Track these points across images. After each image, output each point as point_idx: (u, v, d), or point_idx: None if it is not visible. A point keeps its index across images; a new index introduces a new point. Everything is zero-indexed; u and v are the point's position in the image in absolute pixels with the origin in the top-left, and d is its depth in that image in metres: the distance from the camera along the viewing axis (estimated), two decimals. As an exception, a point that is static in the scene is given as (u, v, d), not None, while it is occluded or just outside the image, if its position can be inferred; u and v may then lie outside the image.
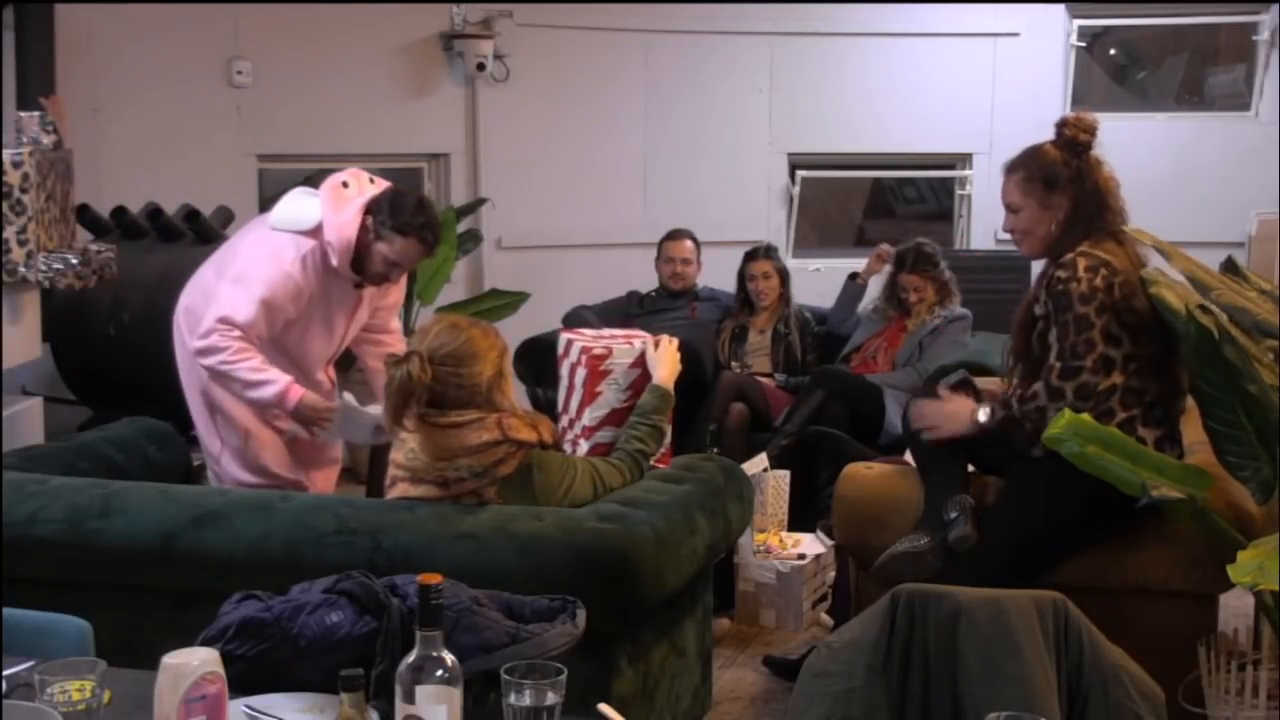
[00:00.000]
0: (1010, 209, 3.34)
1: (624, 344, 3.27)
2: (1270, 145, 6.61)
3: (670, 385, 3.23)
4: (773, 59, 7.07)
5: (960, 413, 3.34)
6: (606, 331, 3.58)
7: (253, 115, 6.20)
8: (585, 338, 3.36)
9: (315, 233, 3.57)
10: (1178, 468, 3.13)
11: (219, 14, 6.05)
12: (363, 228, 3.55)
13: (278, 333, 3.62)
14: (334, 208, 3.57)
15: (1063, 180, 3.25)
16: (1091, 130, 3.28)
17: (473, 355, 2.88)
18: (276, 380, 3.53)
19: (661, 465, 3.25)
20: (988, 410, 3.29)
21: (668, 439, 3.28)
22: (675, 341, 3.32)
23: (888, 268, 5.62)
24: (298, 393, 3.55)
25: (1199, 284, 3.17)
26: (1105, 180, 3.28)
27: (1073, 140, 3.27)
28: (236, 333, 3.50)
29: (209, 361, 3.53)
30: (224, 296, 3.55)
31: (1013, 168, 3.34)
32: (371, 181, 3.67)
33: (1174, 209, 6.33)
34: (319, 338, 3.74)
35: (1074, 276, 3.16)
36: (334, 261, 3.56)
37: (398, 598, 1.98)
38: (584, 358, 3.24)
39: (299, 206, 3.63)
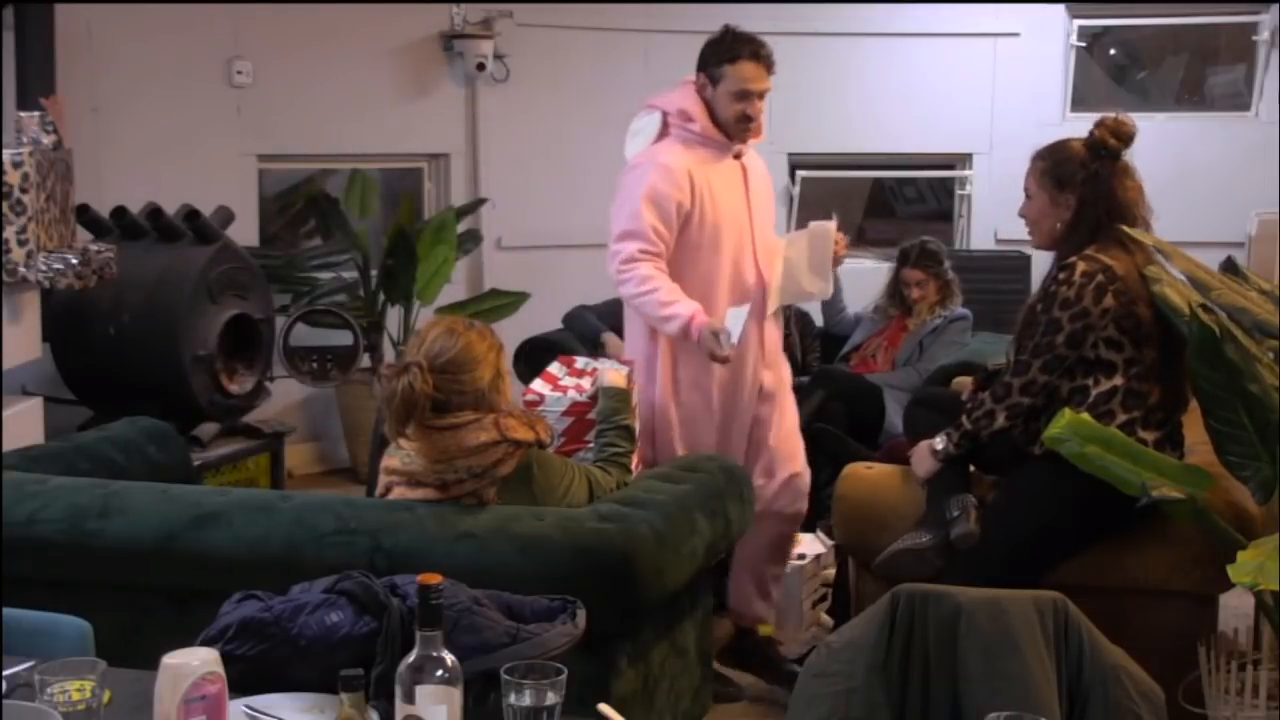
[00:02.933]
0: (1025, 194, 3.36)
1: (556, 392, 3.34)
2: (1270, 145, 6.60)
3: (620, 386, 3.31)
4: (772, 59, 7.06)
5: (922, 452, 3.40)
6: (593, 364, 3.61)
7: (253, 115, 6.20)
8: (552, 374, 3.48)
9: (664, 131, 3.64)
10: (1178, 468, 3.13)
11: (219, 14, 6.04)
12: (699, 88, 3.60)
13: (681, 231, 3.58)
14: (663, 101, 3.65)
15: (1075, 181, 3.24)
16: (1123, 137, 3.24)
17: (473, 360, 2.86)
18: (680, 314, 3.47)
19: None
20: (943, 437, 3.34)
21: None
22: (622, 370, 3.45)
23: (885, 264, 5.61)
24: (700, 322, 3.47)
25: (1199, 284, 3.17)
26: (1125, 189, 3.25)
27: (1100, 142, 3.24)
28: (636, 246, 3.52)
29: (622, 291, 3.58)
30: (613, 223, 3.62)
31: (1037, 156, 3.34)
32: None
33: (1174, 209, 6.26)
34: (728, 229, 3.65)
35: (1068, 280, 3.18)
36: (696, 127, 3.58)
37: (398, 598, 1.98)
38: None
39: (637, 129, 3.71)
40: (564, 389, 3.38)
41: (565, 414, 3.31)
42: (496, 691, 1.68)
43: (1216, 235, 6.46)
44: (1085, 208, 3.24)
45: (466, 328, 2.93)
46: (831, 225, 3.78)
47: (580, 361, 3.59)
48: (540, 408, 3.28)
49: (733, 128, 3.60)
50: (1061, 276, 3.20)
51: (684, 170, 3.57)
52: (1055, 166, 3.27)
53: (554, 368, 3.55)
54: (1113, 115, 3.28)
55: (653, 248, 3.53)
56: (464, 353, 2.86)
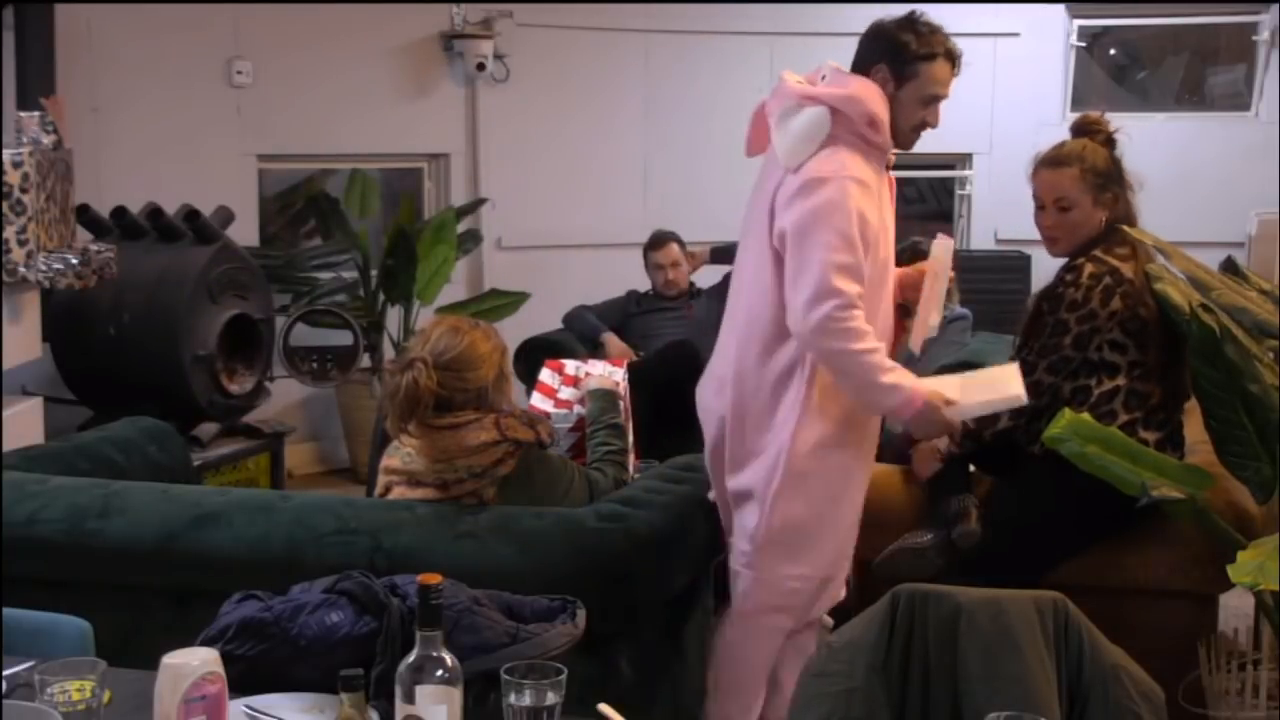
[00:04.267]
0: (1060, 205, 3.21)
1: (560, 409, 3.35)
2: (1270, 145, 6.61)
3: (606, 387, 3.32)
4: (773, 59, 7.06)
5: (923, 452, 3.40)
6: (583, 368, 3.61)
7: (253, 115, 6.21)
8: (547, 384, 3.48)
9: (835, 135, 2.86)
10: (1178, 468, 3.13)
11: (219, 14, 6.05)
12: (880, 83, 2.92)
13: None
14: (834, 97, 2.88)
15: (1114, 180, 3.22)
16: (1107, 129, 3.25)
17: (476, 359, 2.86)
18: (905, 385, 2.79)
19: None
20: (944, 437, 3.31)
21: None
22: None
23: None
24: (921, 396, 2.80)
25: (1199, 284, 3.17)
26: (1130, 183, 3.26)
27: (1113, 140, 3.23)
28: (857, 289, 2.75)
29: (824, 344, 2.77)
30: (811, 253, 2.78)
31: (1063, 161, 3.21)
32: (822, 78, 2.97)
33: (1174, 209, 6.32)
34: (891, 260, 3.01)
35: (1075, 282, 3.17)
36: (879, 136, 2.88)
37: (398, 598, 1.98)
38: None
39: (798, 126, 2.89)
40: (566, 404, 3.39)
41: (572, 430, 3.32)
42: (496, 691, 1.68)
43: (1216, 235, 6.47)
44: (1119, 206, 3.22)
45: (471, 327, 2.93)
46: (950, 244, 3.20)
47: (570, 366, 3.59)
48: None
49: (905, 136, 2.97)
50: (1069, 278, 3.19)
51: (874, 189, 2.90)
52: (1100, 171, 3.20)
53: (546, 376, 3.55)
54: (1092, 114, 3.27)
55: (863, 290, 2.80)
56: (468, 351, 2.86)
